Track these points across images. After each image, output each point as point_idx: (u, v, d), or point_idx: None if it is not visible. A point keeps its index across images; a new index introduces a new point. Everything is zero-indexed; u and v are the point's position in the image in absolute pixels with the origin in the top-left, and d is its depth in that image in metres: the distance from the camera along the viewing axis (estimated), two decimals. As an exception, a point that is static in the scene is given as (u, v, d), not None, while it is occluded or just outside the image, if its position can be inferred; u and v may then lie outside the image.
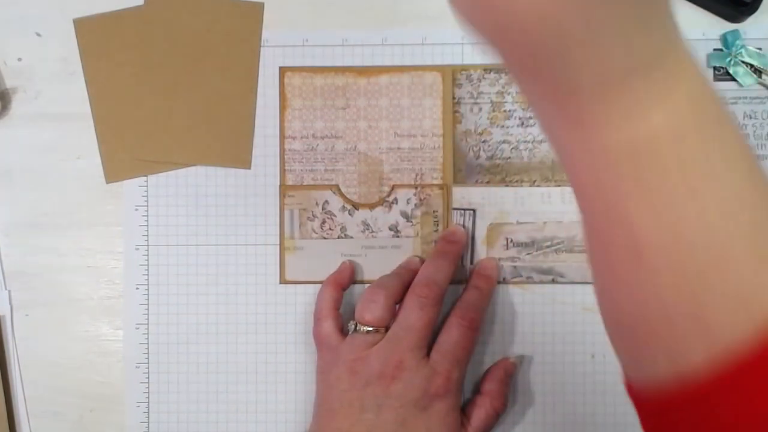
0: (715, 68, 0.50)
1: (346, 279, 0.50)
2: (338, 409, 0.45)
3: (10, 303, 0.52)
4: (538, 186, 0.51)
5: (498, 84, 0.51)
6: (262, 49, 0.51)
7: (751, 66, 0.50)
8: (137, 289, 0.52)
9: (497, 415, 0.48)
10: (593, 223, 0.29)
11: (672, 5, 0.26)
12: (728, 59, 0.50)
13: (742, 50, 0.50)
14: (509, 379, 0.49)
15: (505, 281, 0.51)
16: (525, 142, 0.51)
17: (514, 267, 0.51)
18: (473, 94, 0.51)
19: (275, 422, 0.51)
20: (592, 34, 0.25)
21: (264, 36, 0.51)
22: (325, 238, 0.51)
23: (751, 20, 0.50)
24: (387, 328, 0.46)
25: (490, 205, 0.51)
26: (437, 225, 0.51)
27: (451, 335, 0.47)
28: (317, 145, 0.51)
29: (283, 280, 0.51)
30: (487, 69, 0.51)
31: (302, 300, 0.51)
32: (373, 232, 0.51)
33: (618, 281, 0.29)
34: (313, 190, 0.51)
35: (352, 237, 0.51)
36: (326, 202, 0.51)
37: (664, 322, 0.27)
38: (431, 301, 0.46)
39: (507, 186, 0.51)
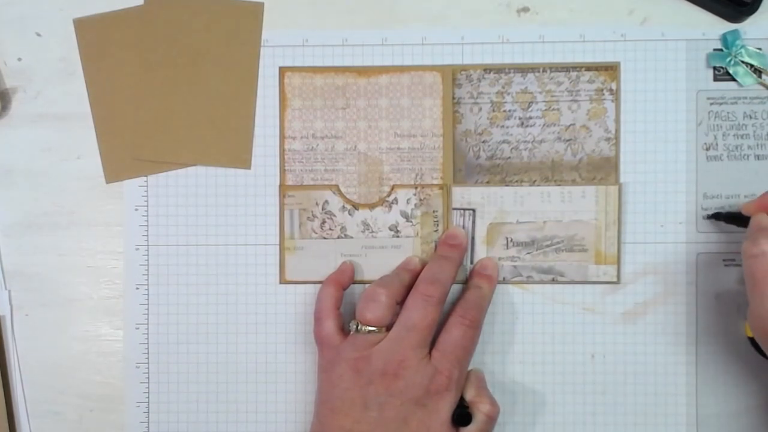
0: (715, 68, 0.50)
1: (347, 279, 0.50)
2: (340, 407, 0.45)
3: (10, 303, 0.52)
4: (537, 185, 0.51)
5: (498, 84, 0.51)
6: (262, 49, 0.51)
7: (751, 66, 0.50)
8: (137, 289, 0.52)
9: (492, 419, 0.48)
10: None
11: None
12: (728, 59, 0.50)
13: (742, 50, 0.50)
14: (484, 383, 0.49)
15: (505, 281, 0.51)
16: (525, 142, 0.51)
17: (514, 266, 0.51)
18: (473, 94, 0.51)
19: (275, 422, 0.51)
20: None
21: (264, 36, 0.51)
22: (325, 238, 0.51)
23: (751, 20, 0.50)
24: (388, 328, 0.46)
25: (490, 204, 0.51)
26: (437, 225, 0.51)
27: (452, 334, 0.47)
28: (317, 145, 0.51)
29: (283, 280, 0.51)
30: (486, 69, 0.51)
31: (302, 300, 0.51)
32: (373, 232, 0.51)
33: None
34: (313, 190, 0.51)
35: (352, 237, 0.51)
36: (326, 202, 0.51)
37: None
38: (435, 300, 0.46)
39: (507, 186, 0.51)
